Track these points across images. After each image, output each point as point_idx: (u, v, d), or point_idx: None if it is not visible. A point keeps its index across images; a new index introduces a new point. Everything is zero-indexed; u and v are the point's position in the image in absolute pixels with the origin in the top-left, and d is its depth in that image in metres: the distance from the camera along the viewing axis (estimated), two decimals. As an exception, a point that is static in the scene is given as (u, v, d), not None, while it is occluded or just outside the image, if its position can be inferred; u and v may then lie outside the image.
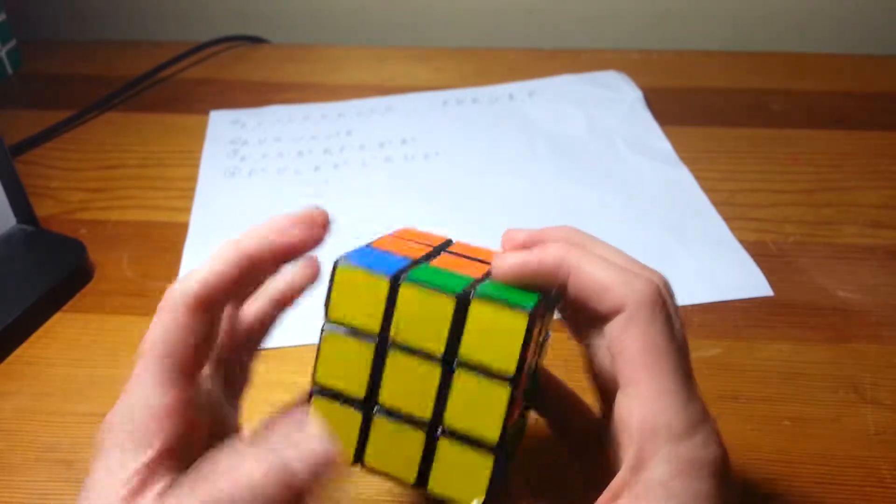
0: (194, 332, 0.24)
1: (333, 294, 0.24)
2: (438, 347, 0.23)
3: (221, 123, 0.58)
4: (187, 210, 0.49)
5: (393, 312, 0.23)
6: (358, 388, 0.24)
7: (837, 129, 0.56)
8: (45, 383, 0.37)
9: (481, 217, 0.47)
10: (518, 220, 0.47)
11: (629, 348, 0.23)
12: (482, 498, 0.23)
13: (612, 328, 0.23)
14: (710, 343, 0.39)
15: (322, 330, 0.24)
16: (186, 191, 0.51)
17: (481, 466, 0.23)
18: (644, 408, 0.22)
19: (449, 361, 0.23)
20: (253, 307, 0.28)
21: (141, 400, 0.23)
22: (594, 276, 0.23)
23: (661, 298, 0.23)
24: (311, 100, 0.61)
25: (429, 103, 0.60)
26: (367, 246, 0.25)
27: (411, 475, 0.23)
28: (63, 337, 0.40)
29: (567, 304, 0.25)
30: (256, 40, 0.71)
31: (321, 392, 0.24)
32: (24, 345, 0.40)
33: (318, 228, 0.25)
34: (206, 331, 0.24)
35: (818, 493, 0.32)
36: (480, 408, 0.23)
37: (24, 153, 0.55)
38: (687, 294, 0.42)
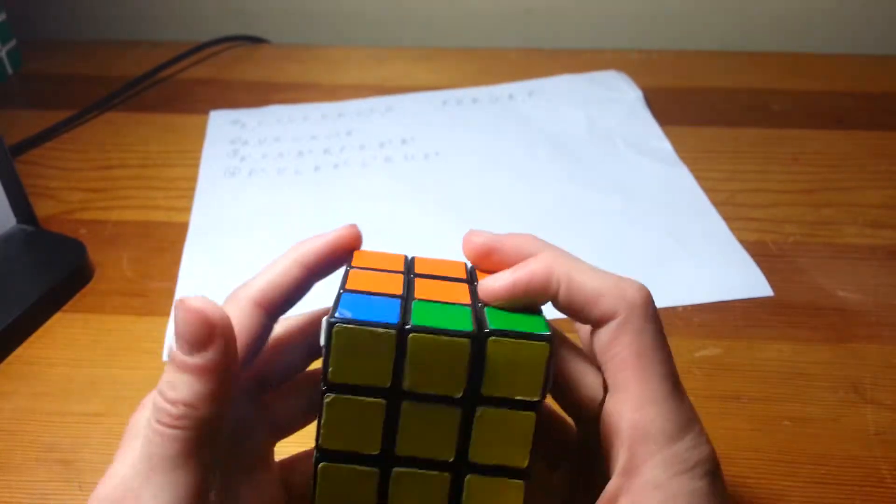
0: (248, 328, 0.24)
1: (334, 356, 0.21)
2: (457, 390, 0.22)
3: (221, 123, 0.58)
4: (187, 210, 0.49)
5: (403, 363, 0.22)
6: (371, 445, 0.22)
7: (837, 129, 0.56)
8: (44, 383, 0.37)
9: (481, 217, 0.47)
10: (518, 219, 0.48)
11: (620, 353, 0.23)
12: None
13: (603, 334, 0.24)
14: (710, 343, 0.39)
15: (323, 395, 0.22)
16: (186, 191, 0.51)
17: (514, 494, 0.22)
18: (635, 412, 0.22)
19: (470, 401, 0.22)
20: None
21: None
22: (587, 285, 0.24)
23: (652, 304, 0.24)
24: (311, 100, 0.61)
25: (429, 103, 0.60)
26: (347, 293, 0.23)
27: None
28: (63, 337, 0.40)
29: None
30: (256, 40, 0.71)
31: (327, 457, 0.22)
32: (24, 345, 0.40)
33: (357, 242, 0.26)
34: (261, 331, 0.24)
35: (818, 493, 0.32)
36: (507, 438, 0.22)
37: (24, 153, 0.55)
38: (687, 294, 0.42)
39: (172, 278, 0.43)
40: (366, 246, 0.27)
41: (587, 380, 0.25)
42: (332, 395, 0.22)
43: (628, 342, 0.23)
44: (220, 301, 0.25)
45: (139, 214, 0.49)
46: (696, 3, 0.70)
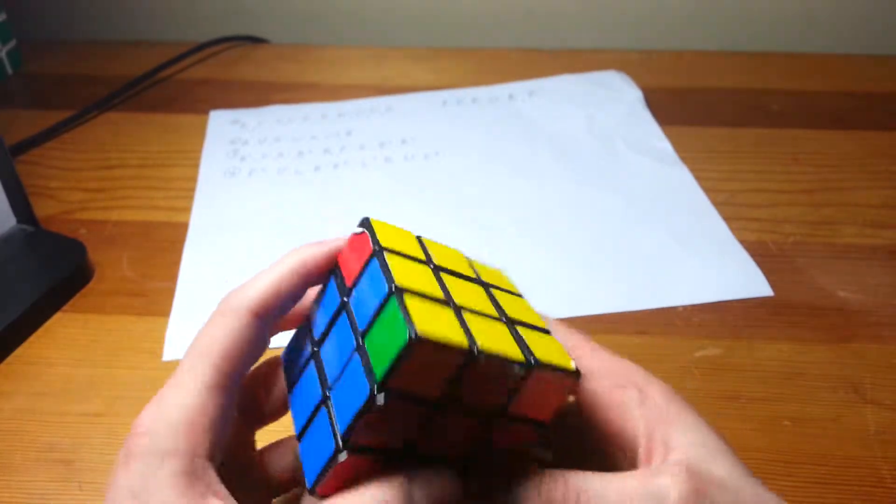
0: (246, 340, 0.24)
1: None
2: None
3: (221, 123, 0.58)
4: (187, 210, 0.49)
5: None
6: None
7: (837, 129, 0.56)
8: (44, 383, 0.37)
9: (481, 217, 0.47)
10: (518, 219, 0.48)
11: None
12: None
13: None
14: (710, 343, 0.39)
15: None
16: (186, 191, 0.51)
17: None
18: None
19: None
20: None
21: (187, 402, 0.22)
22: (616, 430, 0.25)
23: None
24: (311, 100, 0.61)
25: (429, 103, 0.60)
26: (403, 291, 0.21)
27: None
28: (63, 337, 0.40)
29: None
30: (256, 40, 0.71)
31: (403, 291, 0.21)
32: (24, 345, 0.40)
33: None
34: (257, 340, 0.24)
35: (818, 493, 0.32)
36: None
37: (24, 153, 0.55)
38: (687, 294, 0.42)
39: (172, 278, 0.43)
40: None
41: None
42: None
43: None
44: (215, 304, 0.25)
45: (139, 214, 0.49)
46: (696, 3, 0.70)
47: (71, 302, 0.42)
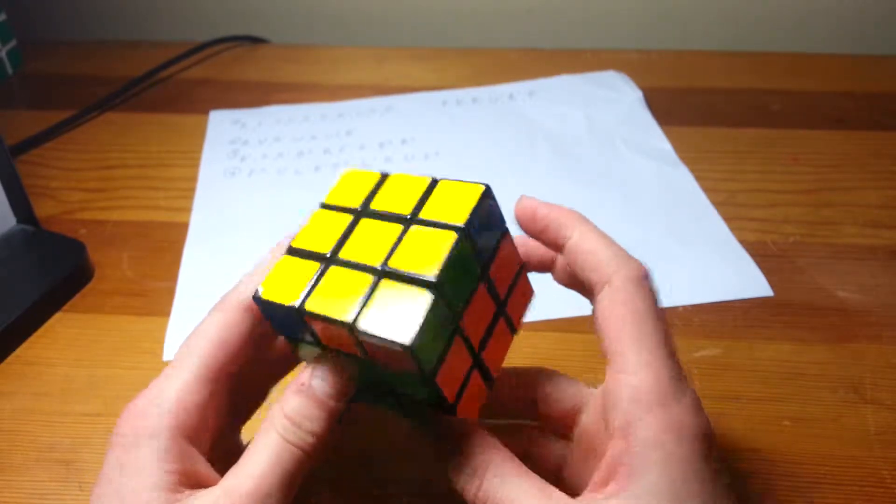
0: (237, 335, 0.25)
1: (336, 186, 0.27)
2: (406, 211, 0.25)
3: (221, 123, 0.58)
4: (187, 210, 0.49)
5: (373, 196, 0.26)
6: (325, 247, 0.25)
7: (837, 129, 0.56)
8: (44, 383, 0.37)
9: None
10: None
11: (616, 323, 0.24)
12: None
13: (600, 304, 0.25)
14: (710, 343, 0.39)
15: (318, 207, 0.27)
16: (186, 191, 0.51)
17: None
18: (631, 376, 0.23)
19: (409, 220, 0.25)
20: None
21: (176, 388, 0.24)
22: (594, 247, 0.26)
23: (648, 279, 0.25)
24: (311, 100, 0.61)
25: (429, 103, 0.60)
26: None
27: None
28: (63, 337, 0.40)
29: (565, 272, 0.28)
30: (256, 40, 0.71)
31: (292, 252, 0.26)
32: (24, 345, 0.40)
33: None
34: (249, 335, 0.26)
35: (818, 494, 0.32)
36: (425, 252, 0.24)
37: (24, 153, 0.55)
38: (687, 294, 0.42)
39: (172, 278, 0.43)
40: None
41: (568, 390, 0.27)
42: (319, 209, 0.27)
43: (622, 312, 0.24)
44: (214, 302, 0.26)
45: (139, 214, 0.49)
46: (696, 3, 0.70)
47: (71, 302, 0.42)
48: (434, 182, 0.26)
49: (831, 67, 0.64)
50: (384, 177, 0.27)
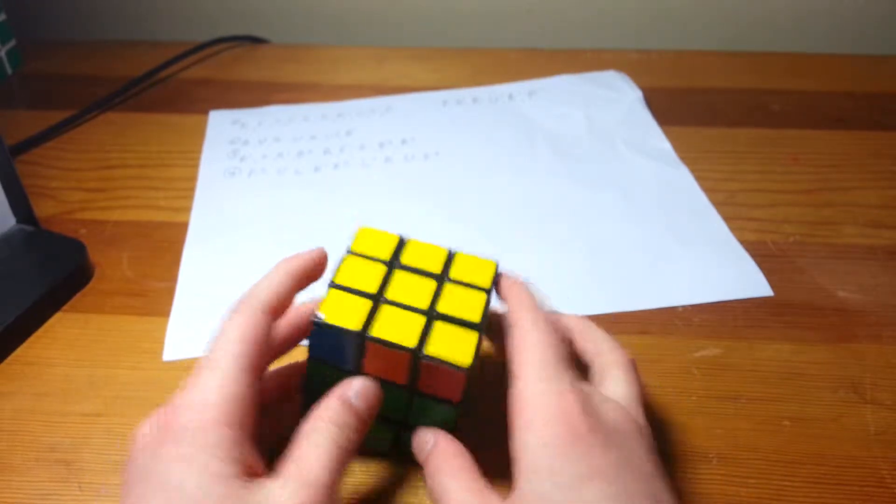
0: (263, 334, 0.27)
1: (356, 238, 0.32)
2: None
3: (221, 123, 0.58)
4: (187, 210, 0.49)
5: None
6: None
7: (837, 129, 0.56)
8: (44, 383, 0.37)
9: (481, 217, 0.47)
10: (518, 219, 0.47)
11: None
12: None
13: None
14: (709, 343, 0.39)
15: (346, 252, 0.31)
16: (186, 191, 0.51)
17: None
18: (521, 354, 0.28)
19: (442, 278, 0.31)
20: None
21: (221, 387, 0.25)
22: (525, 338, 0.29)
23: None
24: (311, 100, 0.61)
25: (429, 103, 0.60)
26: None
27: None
28: (63, 337, 0.40)
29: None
30: (256, 40, 0.71)
31: (336, 286, 0.30)
32: (24, 345, 0.40)
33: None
34: (268, 337, 0.28)
35: (818, 493, 0.32)
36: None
37: (24, 153, 0.55)
38: (687, 294, 0.42)
39: (172, 278, 0.43)
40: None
41: None
42: (348, 254, 0.31)
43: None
44: (229, 304, 0.28)
45: (139, 214, 0.49)
46: (696, 3, 0.70)
47: (71, 302, 0.42)
48: (451, 253, 0.32)
49: (831, 67, 0.64)
50: (402, 240, 0.32)
